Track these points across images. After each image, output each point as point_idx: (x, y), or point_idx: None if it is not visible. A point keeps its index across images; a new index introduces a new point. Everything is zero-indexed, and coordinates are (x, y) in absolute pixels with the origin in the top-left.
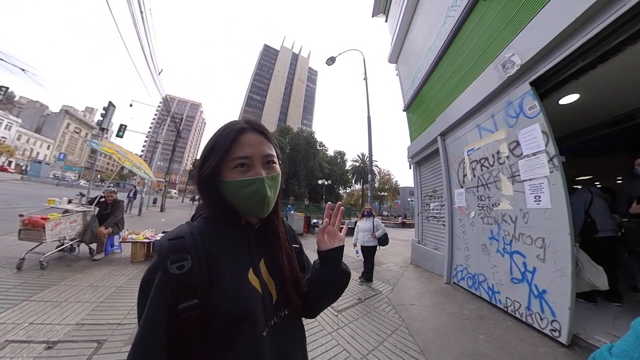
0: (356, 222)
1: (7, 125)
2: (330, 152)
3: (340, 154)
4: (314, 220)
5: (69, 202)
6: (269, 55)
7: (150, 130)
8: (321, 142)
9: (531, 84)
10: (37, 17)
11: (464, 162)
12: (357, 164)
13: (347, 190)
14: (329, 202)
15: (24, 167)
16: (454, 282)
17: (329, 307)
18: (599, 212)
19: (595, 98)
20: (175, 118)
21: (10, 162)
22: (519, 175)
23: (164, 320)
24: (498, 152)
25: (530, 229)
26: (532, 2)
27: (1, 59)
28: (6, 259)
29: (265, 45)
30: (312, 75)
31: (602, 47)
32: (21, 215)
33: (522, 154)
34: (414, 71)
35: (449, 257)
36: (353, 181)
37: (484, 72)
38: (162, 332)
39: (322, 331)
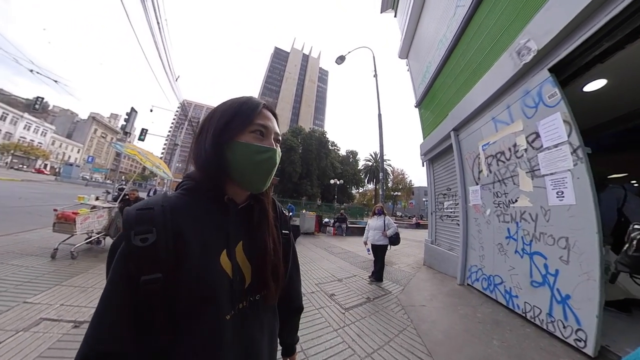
0: (367, 221)
1: (42, 132)
2: (343, 152)
3: (353, 154)
4: (326, 220)
5: (96, 199)
6: (279, 58)
7: (169, 133)
8: (333, 142)
9: (550, 70)
10: (65, 32)
11: (479, 158)
12: (370, 163)
13: (360, 190)
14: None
15: (57, 169)
16: (468, 284)
17: (336, 304)
18: (634, 211)
19: (626, 83)
20: (192, 122)
21: (46, 165)
22: (539, 169)
23: (125, 288)
24: (515, 145)
25: (552, 227)
26: None
27: (38, 72)
28: (42, 249)
29: (276, 48)
30: (322, 76)
31: (630, 24)
32: (55, 210)
33: (542, 146)
34: (424, 66)
35: (463, 257)
36: (366, 181)
37: (497, 62)
38: (123, 300)
39: (327, 327)
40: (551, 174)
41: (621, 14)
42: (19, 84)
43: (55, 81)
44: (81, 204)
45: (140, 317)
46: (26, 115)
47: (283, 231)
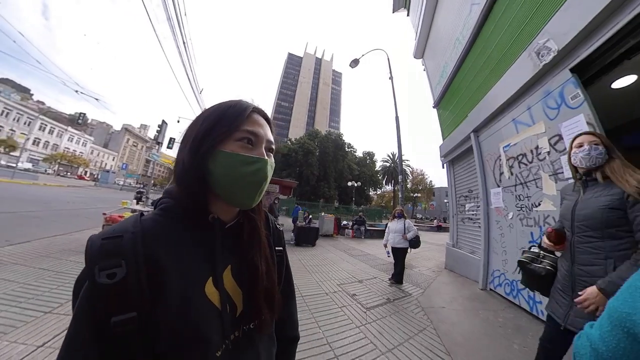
0: (387, 223)
1: (83, 142)
2: (359, 153)
3: (370, 155)
4: (344, 222)
5: (137, 202)
6: (293, 63)
7: None
8: (349, 144)
9: (572, 70)
10: (101, 52)
11: (500, 159)
12: (388, 164)
13: (378, 192)
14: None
15: (95, 176)
16: (490, 289)
17: (357, 304)
18: None
19: None
20: None
21: (86, 172)
22: (562, 172)
23: (91, 335)
24: (537, 148)
25: None
26: None
27: (82, 92)
28: None
29: (289, 54)
30: (336, 78)
31: None
32: (104, 214)
33: (565, 149)
34: (441, 65)
35: (485, 261)
36: (383, 182)
37: (516, 62)
38: (88, 351)
39: (350, 324)
40: None
41: None
42: (63, 101)
43: (97, 99)
44: (124, 208)
45: None
46: (70, 128)
47: (277, 248)
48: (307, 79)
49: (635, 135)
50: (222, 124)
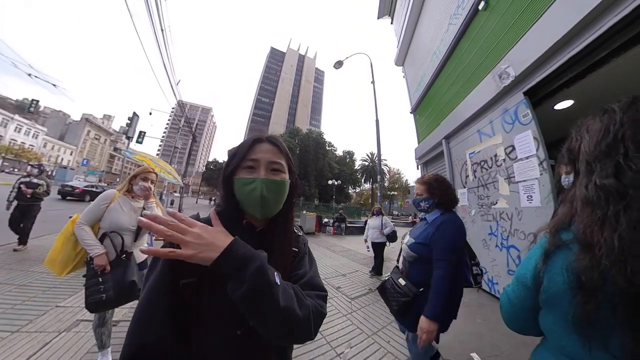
0: (366, 220)
1: (34, 134)
2: (339, 152)
3: (350, 154)
4: (325, 220)
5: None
6: (275, 58)
7: (164, 135)
8: (330, 143)
9: (525, 93)
10: (52, 26)
11: (466, 164)
12: (367, 163)
13: (357, 190)
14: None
15: (50, 173)
16: None
17: (343, 295)
18: None
19: (588, 104)
20: (190, 123)
21: None
22: (514, 176)
23: (166, 291)
24: (496, 155)
25: (523, 225)
26: (526, 16)
27: (36, 76)
28: None
29: (272, 48)
30: (319, 76)
31: (589, 59)
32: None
33: (517, 157)
34: (420, 74)
35: None
36: (362, 180)
37: (483, 81)
38: (162, 301)
39: (338, 314)
40: (523, 180)
41: (582, 52)
42: (10, 84)
43: (55, 85)
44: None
45: (176, 316)
46: (17, 117)
47: (293, 249)
48: (289, 76)
49: None
50: (235, 157)
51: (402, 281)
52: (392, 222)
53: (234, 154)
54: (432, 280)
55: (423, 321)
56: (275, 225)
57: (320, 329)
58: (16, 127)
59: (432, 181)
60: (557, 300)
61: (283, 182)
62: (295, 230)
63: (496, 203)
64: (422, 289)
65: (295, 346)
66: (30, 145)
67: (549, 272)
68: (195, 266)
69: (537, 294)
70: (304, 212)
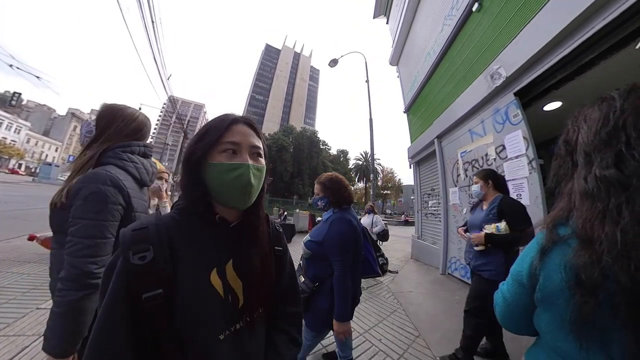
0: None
1: (16, 128)
2: (333, 151)
3: (344, 153)
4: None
5: None
6: (270, 55)
7: (154, 132)
8: (324, 141)
9: (515, 94)
10: (35, 15)
11: (458, 163)
12: (360, 162)
13: (350, 189)
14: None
15: (33, 170)
16: (449, 273)
17: None
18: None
19: (577, 106)
20: (182, 120)
21: (20, 165)
22: (504, 175)
23: (124, 309)
24: (486, 155)
25: None
26: (518, 19)
27: (18, 67)
28: (38, 255)
29: (267, 45)
30: (314, 74)
31: (577, 61)
32: (33, 236)
33: (507, 156)
34: (414, 74)
35: (444, 250)
36: (356, 180)
37: (475, 81)
38: (123, 320)
39: None
40: (513, 179)
41: (570, 55)
42: None
43: (38, 77)
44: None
45: (142, 337)
46: None
47: (276, 248)
48: (284, 73)
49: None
50: (205, 139)
51: (301, 278)
52: (384, 220)
53: (202, 134)
54: (333, 281)
55: (335, 324)
56: (253, 218)
57: None
58: None
59: (326, 181)
60: (553, 299)
61: (264, 168)
62: (277, 227)
63: None
64: (317, 283)
65: None
66: (12, 140)
67: (546, 270)
68: (161, 273)
69: (533, 292)
70: (298, 210)
